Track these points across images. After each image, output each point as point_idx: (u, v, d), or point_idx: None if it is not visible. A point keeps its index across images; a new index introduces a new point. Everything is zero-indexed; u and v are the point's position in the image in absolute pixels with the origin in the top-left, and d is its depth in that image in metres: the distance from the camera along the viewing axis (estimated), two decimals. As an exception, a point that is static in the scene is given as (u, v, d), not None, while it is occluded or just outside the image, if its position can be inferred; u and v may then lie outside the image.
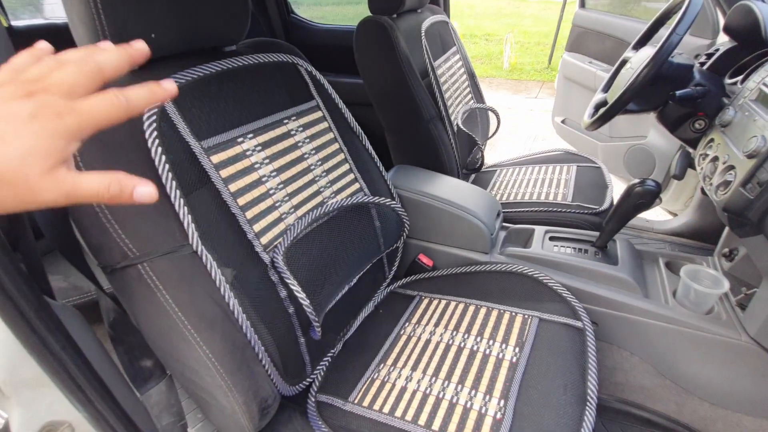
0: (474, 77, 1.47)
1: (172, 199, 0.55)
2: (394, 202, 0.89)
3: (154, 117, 0.56)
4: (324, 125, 0.82)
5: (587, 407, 0.62)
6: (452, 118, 1.24)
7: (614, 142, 1.73)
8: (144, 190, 0.30)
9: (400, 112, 1.15)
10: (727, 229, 0.92)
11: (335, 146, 0.84)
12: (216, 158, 0.62)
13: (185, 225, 0.56)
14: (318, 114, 0.82)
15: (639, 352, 0.85)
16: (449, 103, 1.24)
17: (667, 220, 1.41)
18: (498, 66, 5.46)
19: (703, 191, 0.78)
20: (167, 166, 0.55)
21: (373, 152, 0.93)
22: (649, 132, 1.57)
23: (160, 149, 0.55)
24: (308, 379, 0.74)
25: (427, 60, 1.17)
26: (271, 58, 0.76)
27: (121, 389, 0.65)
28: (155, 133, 0.55)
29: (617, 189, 1.26)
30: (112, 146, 0.53)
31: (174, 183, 0.56)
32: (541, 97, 4.37)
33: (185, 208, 0.56)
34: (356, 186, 0.86)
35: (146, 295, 0.53)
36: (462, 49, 1.44)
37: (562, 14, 5.05)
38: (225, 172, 0.63)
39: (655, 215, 1.49)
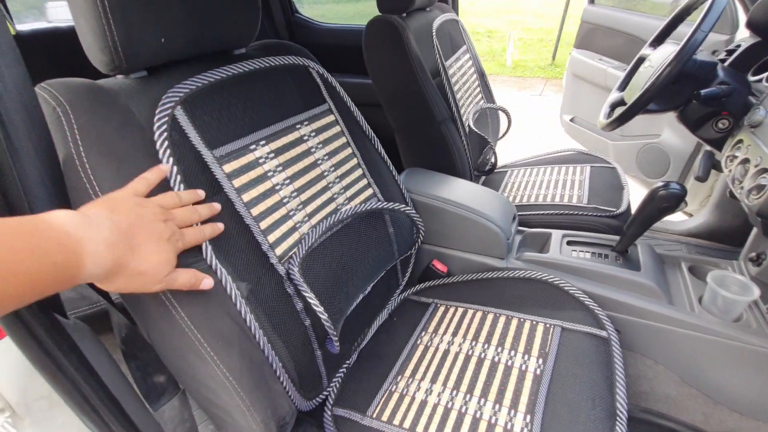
0: (484, 76, 1.45)
1: None
2: (408, 208, 0.87)
3: (165, 126, 0.54)
4: (336, 129, 0.80)
5: (618, 423, 0.60)
6: (464, 119, 1.21)
7: (626, 141, 1.70)
8: (208, 282, 0.51)
9: (412, 114, 1.13)
10: (754, 232, 0.89)
11: (348, 151, 0.81)
12: (228, 167, 0.60)
13: None
14: (330, 118, 0.79)
15: (664, 361, 0.82)
16: (461, 103, 1.21)
17: (683, 220, 1.39)
18: (501, 63, 5.43)
19: (731, 194, 0.75)
20: (179, 177, 0.53)
21: (386, 156, 0.90)
22: (663, 130, 1.54)
23: (171, 159, 0.53)
24: (324, 393, 0.72)
25: (438, 60, 1.15)
26: (281, 61, 0.74)
27: (135, 407, 0.63)
28: (166, 143, 0.53)
29: (631, 190, 1.23)
30: (124, 158, 0.51)
31: None
32: (545, 94, 4.33)
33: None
34: (370, 191, 0.84)
35: (161, 313, 0.51)
36: (472, 47, 1.41)
37: (566, 10, 5.00)
38: (238, 182, 0.61)
39: (671, 216, 1.46)
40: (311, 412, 0.70)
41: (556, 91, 4.35)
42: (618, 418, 0.61)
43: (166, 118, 0.54)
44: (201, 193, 0.54)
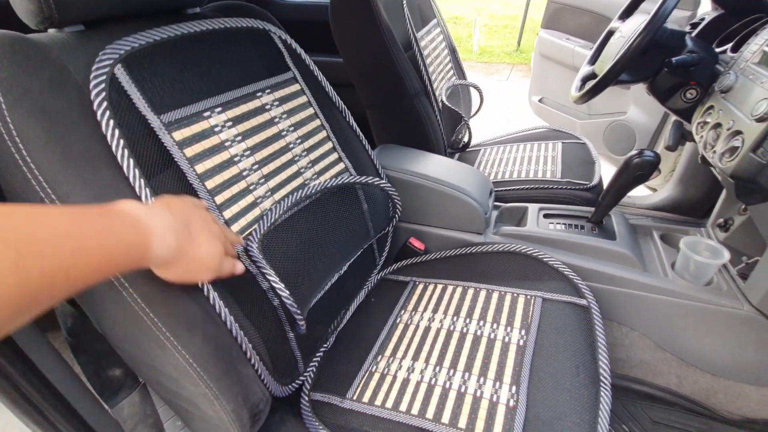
0: (455, 52, 1.42)
1: (132, 181, 0.47)
2: (384, 182, 0.83)
3: (103, 85, 0.47)
4: (303, 99, 0.75)
5: (602, 388, 0.59)
6: (437, 94, 1.18)
7: (593, 119, 1.72)
8: (241, 267, 0.51)
9: (384, 87, 1.08)
10: (721, 199, 0.91)
11: (316, 122, 0.76)
12: (179, 135, 0.54)
13: None
14: (295, 87, 0.74)
15: (639, 327, 0.83)
16: (433, 77, 1.18)
17: (648, 195, 1.42)
18: (468, 49, 5.43)
19: (703, 159, 0.76)
20: (122, 142, 0.47)
21: (358, 129, 0.86)
22: (628, 108, 1.57)
23: (111, 122, 0.46)
24: (301, 378, 0.68)
25: (410, 31, 1.10)
26: (240, 24, 0.67)
27: (87, 404, 0.56)
28: (105, 104, 0.46)
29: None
30: (57, 117, 0.44)
31: (132, 162, 0.47)
32: (512, 79, 4.37)
33: (147, 190, 0.48)
34: (341, 166, 0.79)
35: (110, 296, 0.45)
36: (442, 22, 1.37)
37: (530, -3, 5.06)
38: (190, 151, 0.55)
39: (636, 191, 1.50)
40: (287, 398, 0.66)
41: (522, 77, 4.40)
42: (602, 383, 0.60)
43: (104, 77, 0.48)
44: (239, 240, 0.55)
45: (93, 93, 0.47)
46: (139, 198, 0.48)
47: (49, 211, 0.28)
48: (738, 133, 0.63)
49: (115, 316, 0.47)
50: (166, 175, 0.52)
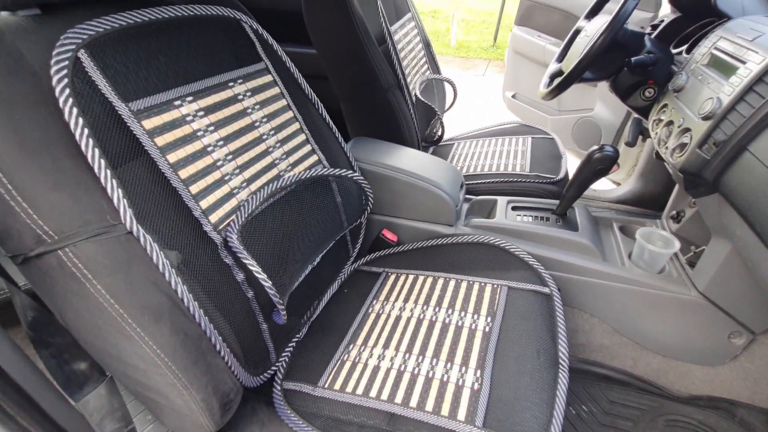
0: (429, 47, 1.43)
1: (97, 171, 0.46)
2: (357, 175, 0.84)
3: (66, 71, 0.46)
4: (275, 91, 0.75)
5: (560, 370, 0.63)
6: (410, 88, 1.19)
7: (563, 115, 1.78)
8: None
9: (357, 80, 1.09)
10: (674, 192, 0.97)
11: (289, 114, 0.76)
12: (149, 123, 0.53)
13: (115, 201, 0.47)
14: (267, 78, 0.74)
15: (598, 314, 0.88)
16: (407, 71, 1.19)
17: (612, 189, 1.49)
18: (446, 43, 5.46)
19: (657, 155, 0.80)
20: (86, 131, 0.46)
21: (331, 122, 0.86)
22: (595, 105, 1.63)
23: (75, 110, 0.45)
24: (273, 368, 0.69)
25: (383, 24, 1.11)
26: (209, 11, 0.66)
27: (50, 399, 0.55)
28: (68, 90, 0.45)
29: (568, 160, 1.30)
30: (10, 104, 0.43)
31: (97, 151, 0.46)
32: (488, 75, 4.43)
33: (113, 180, 0.47)
34: (314, 158, 0.80)
35: (72, 287, 0.44)
36: (417, 16, 1.38)
37: (506, -8, 5.12)
38: (161, 140, 0.54)
39: (601, 185, 1.56)
40: (259, 388, 0.67)
41: (498, 72, 4.47)
42: (560, 365, 0.64)
43: (67, 62, 0.46)
44: None
45: (54, 79, 0.45)
46: (104, 188, 0.47)
47: None
48: (687, 130, 0.67)
49: (78, 309, 0.46)
50: (135, 164, 0.52)
